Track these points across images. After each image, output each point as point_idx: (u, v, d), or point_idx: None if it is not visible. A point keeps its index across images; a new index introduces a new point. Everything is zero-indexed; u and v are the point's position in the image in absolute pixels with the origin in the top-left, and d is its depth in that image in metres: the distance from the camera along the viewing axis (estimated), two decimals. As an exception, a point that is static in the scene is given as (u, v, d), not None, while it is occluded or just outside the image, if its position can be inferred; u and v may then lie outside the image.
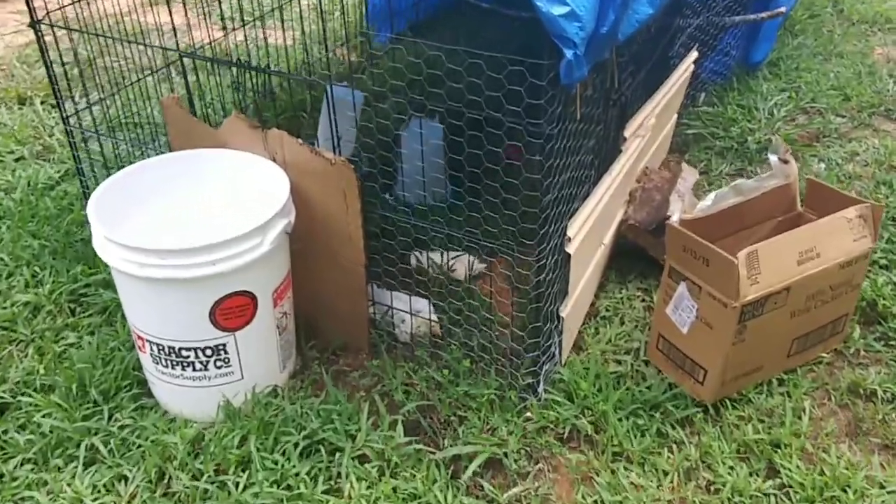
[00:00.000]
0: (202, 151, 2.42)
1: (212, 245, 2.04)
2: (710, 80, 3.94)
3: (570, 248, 2.25)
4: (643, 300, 2.76)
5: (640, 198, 2.84)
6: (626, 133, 2.66)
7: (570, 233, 2.24)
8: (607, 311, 2.71)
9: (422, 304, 2.62)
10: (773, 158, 2.57)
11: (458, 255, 2.83)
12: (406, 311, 2.52)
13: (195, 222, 2.36)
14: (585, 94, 2.07)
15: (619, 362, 2.50)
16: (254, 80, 2.19)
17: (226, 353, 2.23)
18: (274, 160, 2.37)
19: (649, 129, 2.81)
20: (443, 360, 2.45)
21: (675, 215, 2.32)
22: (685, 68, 3.27)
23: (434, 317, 2.59)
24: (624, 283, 2.83)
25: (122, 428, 2.26)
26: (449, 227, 2.33)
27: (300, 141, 2.27)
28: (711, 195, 2.38)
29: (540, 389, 2.33)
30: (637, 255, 2.88)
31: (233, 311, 2.18)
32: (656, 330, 2.45)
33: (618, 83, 2.34)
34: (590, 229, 2.39)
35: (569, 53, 1.77)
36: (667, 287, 2.36)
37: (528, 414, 2.29)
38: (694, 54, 3.39)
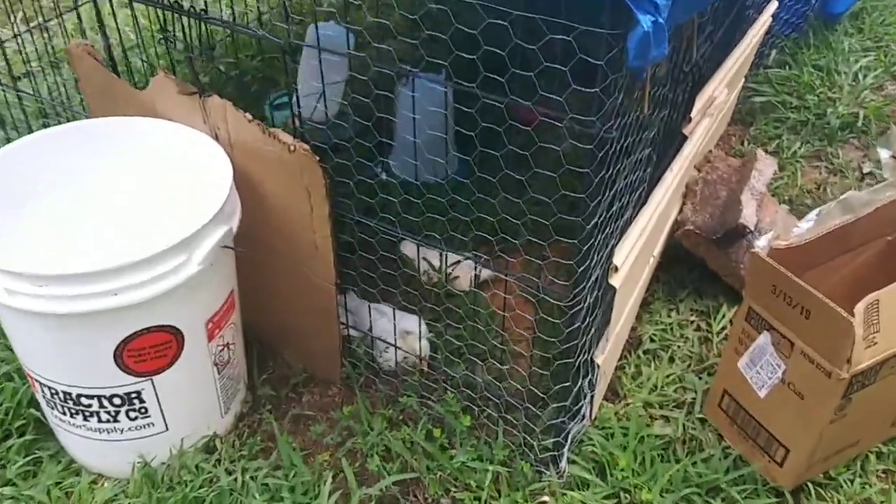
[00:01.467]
0: (116, 122, 1.78)
1: (111, 270, 1.43)
2: (783, 33, 3.22)
3: (616, 280, 1.63)
4: (699, 328, 2.15)
5: (700, 194, 2.20)
6: (694, 112, 2.00)
7: (617, 260, 1.61)
8: (652, 341, 2.10)
9: (411, 323, 2.01)
10: (884, 155, 1.92)
11: (457, 262, 2.21)
12: (388, 340, 1.92)
13: (98, 229, 1.73)
14: (657, 75, 1.42)
15: (666, 419, 1.90)
16: (186, 30, 1.54)
17: (141, 401, 1.65)
18: (216, 137, 1.74)
19: (722, 105, 2.15)
20: (434, 412, 1.85)
21: (760, 240, 1.69)
22: (763, 21, 2.57)
23: (426, 342, 1.99)
24: (674, 303, 2.22)
25: (6, 485, 1.70)
26: (452, 210, 1.70)
27: (248, 116, 1.64)
28: (813, 213, 1.74)
29: (563, 463, 1.74)
30: (691, 263, 2.26)
31: (147, 351, 1.58)
32: (721, 384, 1.85)
33: (695, 51, 1.68)
34: (641, 247, 1.76)
35: (646, 22, 1.13)
36: (742, 333, 1.74)
37: (545, 499, 1.71)
38: (774, 3, 2.68)
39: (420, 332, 2.00)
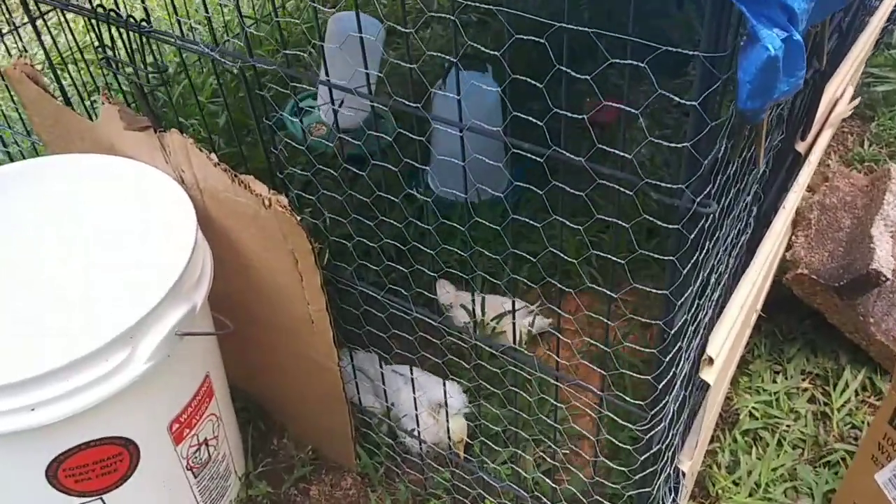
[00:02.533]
0: (50, 162, 1.41)
1: (26, 381, 1.07)
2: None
3: (710, 375, 1.18)
4: (813, 399, 1.68)
5: (816, 224, 1.71)
6: (814, 125, 1.52)
7: (711, 351, 1.17)
8: (753, 416, 1.64)
9: (442, 393, 1.60)
10: None
11: (518, 309, 1.79)
12: (413, 417, 1.52)
13: (16, 316, 1.27)
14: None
15: (775, 535, 1.45)
16: (128, 45, 1.15)
17: (92, 522, 1.30)
18: (181, 181, 1.35)
19: (848, 109, 1.65)
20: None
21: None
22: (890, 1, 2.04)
23: (461, 421, 1.58)
24: (780, 362, 1.75)
25: None
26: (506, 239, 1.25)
27: (213, 158, 1.24)
28: None
29: None
30: (802, 310, 1.78)
31: (90, 468, 1.22)
32: (848, 495, 1.39)
33: (825, 58, 1.20)
34: (743, 320, 1.31)
35: (772, 42, 0.68)
36: (884, 439, 1.28)
37: None
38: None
39: (454, 405, 1.59)
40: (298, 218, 1.16)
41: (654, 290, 0.93)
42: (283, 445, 1.67)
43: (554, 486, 1.40)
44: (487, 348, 1.27)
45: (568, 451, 1.50)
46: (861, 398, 1.66)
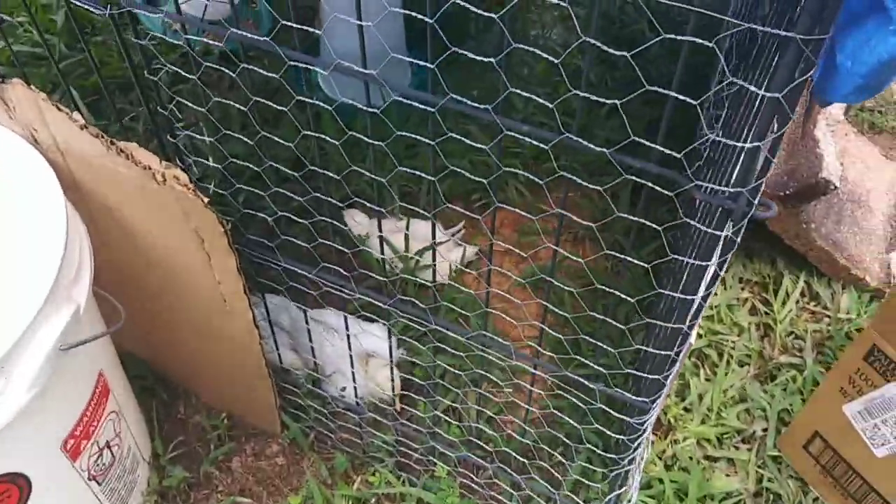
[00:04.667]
0: None
1: None
2: None
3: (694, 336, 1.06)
4: (755, 309, 1.62)
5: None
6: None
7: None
8: (700, 337, 1.57)
9: (374, 340, 1.44)
10: None
11: (443, 241, 1.61)
12: (343, 370, 1.36)
13: None
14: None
15: (731, 463, 1.41)
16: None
17: (-19, 562, 1.08)
18: (35, 141, 1.05)
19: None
20: (416, 474, 1.33)
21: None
22: None
23: (395, 372, 1.43)
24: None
25: None
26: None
27: (79, 120, 0.95)
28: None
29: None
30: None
31: (-31, 514, 0.99)
32: (810, 421, 1.35)
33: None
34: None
35: None
36: (856, 374, 1.22)
37: None
38: None
39: (389, 354, 1.43)
40: (205, 199, 0.91)
41: (673, 294, 0.77)
42: (191, 414, 1.47)
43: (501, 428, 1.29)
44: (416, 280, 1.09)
45: (512, 389, 1.38)
46: (801, 305, 1.62)
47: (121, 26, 0.85)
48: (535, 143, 0.71)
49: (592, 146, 0.69)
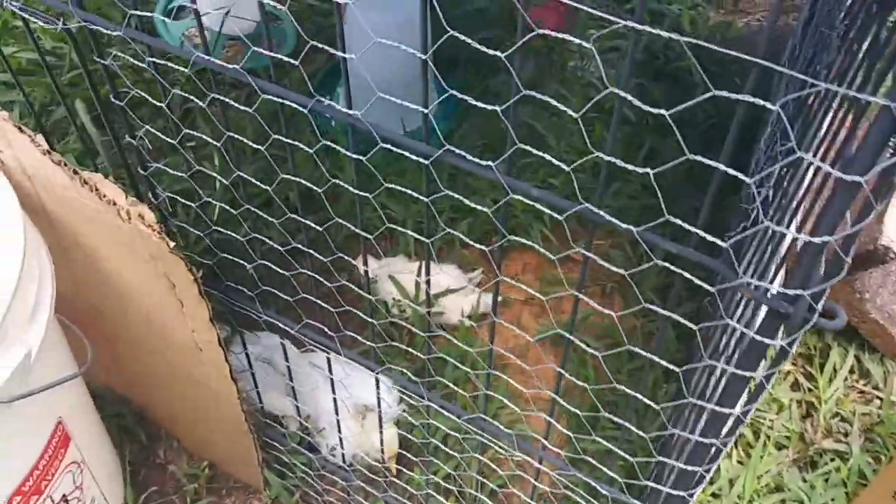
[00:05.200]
0: None
1: None
2: None
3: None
4: (797, 384, 1.47)
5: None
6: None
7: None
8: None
9: (369, 392, 1.30)
10: None
11: (459, 288, 1.48)
12: (332, 422, 1.23)
13: None
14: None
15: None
16: None
17: None
18: (1, 165, 0.95)
19: None
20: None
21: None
22: None
23: (392, 431, 1.30)
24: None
25: None
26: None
27: (41, 143, 0.84)
28: None
29: None
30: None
31: None
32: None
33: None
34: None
35: None
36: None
37: None
38: None
39: (385, 409, 1.30)
40: (171, 243, 0.79)
41: (703, 404, 0.64)
42: (171, 458, 1.35)
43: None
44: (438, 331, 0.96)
45: (520, 460, 1.24)
46: (849, 383, 1.46)
47: (85, 41, 0.74)
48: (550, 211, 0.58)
49: (617, 222, 0.56)
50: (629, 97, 0.50)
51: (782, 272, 0.74)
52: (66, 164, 0.83)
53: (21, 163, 0.91)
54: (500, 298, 1.51)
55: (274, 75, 0.68)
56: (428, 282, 0.83)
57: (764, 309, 0.55)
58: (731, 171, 0.48)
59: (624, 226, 0.56)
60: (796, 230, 0.53)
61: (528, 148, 0.61)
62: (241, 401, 1.08)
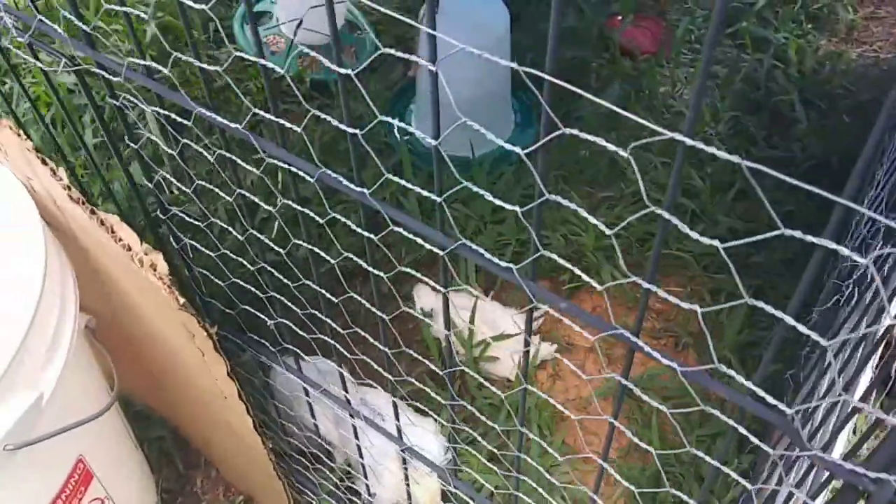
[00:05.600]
0: None
1: None
2: None
3: None
4: None
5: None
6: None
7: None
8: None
9: (420, 438, 1.24)
10: None
11: (515, 334, 1.38)
12: (377, 471, 1.16)
13: None
14: None
15: None
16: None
17: None
18: (32, 190, 0.91)
19: None
20: None
21: None
22: None
23: (433, 482, 1.22)
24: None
25: None
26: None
27: (63, 177, 0.80)
28: None
29: None
30: None
31: None
32: None
33: None
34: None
35: None
36: None
37: None
38: None
39: (430, 457, 1.22)
40: (180, 300, 0.73)
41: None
42: (207, 489, 1.31)
43: None
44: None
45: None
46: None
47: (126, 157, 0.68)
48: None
49: (665, 360, 0.46)
50: (700, 144, 0.40)
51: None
52: (84, 203, 0.78)
53: (50, 194, 0.87)
54: (561, 346, 1.41)
55: (348, 88, 0.59)
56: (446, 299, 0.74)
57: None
58: (800, 327, 0.38)
59: (667, 362, 0.45)
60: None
61: (549, 255, 0.51)
62: (269, 451, 1.01)
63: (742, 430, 0.44)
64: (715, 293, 1.47)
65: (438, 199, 0.50)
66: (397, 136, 1.73)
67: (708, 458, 0.49)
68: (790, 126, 1.70)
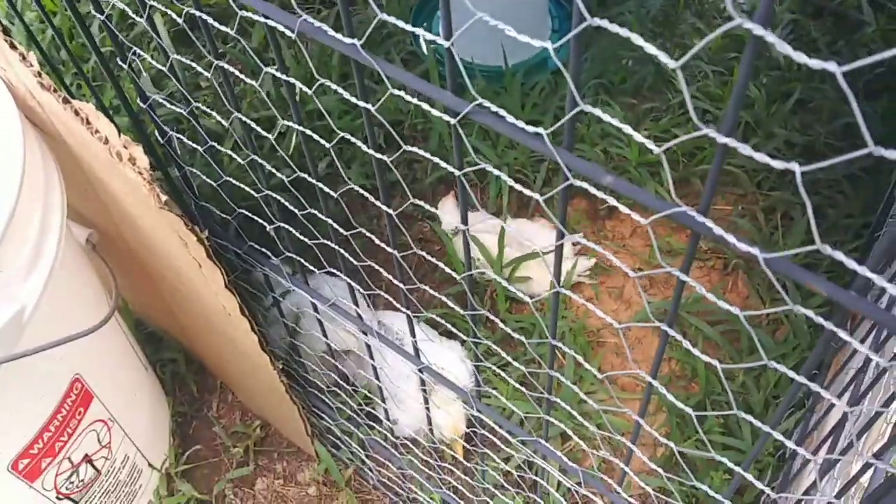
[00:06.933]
0: None
1: None
2: None
3: None
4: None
5: None
6: None
7: None
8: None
9: (444, 360, 1.16)
10: None
11: (549, 250, 1.28)
12: (399, 394, 1.09)
13: None
14: None
15: None
16: None
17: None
18: (9, 83, 0.82)
19: None
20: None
21: None
22: None
23: (459, 409, 1.14)
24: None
25: None
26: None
27: (33, 63, 0.70)
28: None
29: None
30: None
31: None
32: None
33: None
34: None
35: None
36: None
37: None
38: None
39: (457, 382, 1.14)
40: (162, 197, 0.64)
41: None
42: (223, 413, 1.25)
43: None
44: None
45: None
46: None
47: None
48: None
49: (732, 239, 0.36)
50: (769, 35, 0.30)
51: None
52: (55, 90, 0.68)
53: (27, 86, 0.78)
54: (598, 262, 1.31)
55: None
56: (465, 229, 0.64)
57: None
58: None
59: (744, 247, 0.35)
60: None
61: (596, 113, 0.41)
62: (279, 371, 0.94)
63: (810, 315, 0.34)
64: (768, 211, 1.35)
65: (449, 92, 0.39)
66: (423, 45, 1.61)
67: (783, 369, 0.39)
68: (856, 30, 1.54)
